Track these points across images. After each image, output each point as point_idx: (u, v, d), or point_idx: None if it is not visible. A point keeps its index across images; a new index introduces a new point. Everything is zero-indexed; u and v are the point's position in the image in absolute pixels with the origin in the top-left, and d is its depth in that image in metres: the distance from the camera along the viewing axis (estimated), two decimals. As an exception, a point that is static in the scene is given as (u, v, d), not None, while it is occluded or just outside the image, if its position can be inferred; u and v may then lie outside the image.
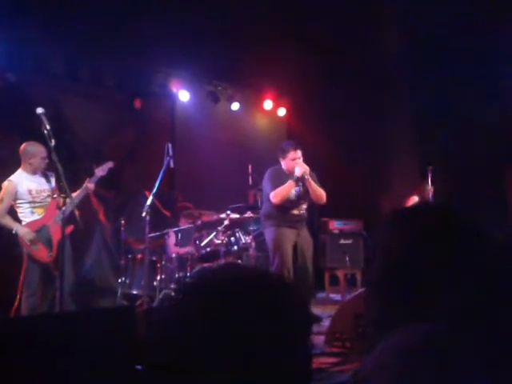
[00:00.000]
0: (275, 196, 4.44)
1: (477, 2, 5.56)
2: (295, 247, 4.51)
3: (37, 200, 4.06)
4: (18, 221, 4.06)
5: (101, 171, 4.27)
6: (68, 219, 3.78)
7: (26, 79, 5.29)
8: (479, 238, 0.94)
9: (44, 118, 3.29)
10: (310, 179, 4.47)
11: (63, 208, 3.61)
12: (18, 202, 4.04)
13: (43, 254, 3.98)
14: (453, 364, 0.80)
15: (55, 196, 4.02)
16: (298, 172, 4.43)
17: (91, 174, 4.24)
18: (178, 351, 0.68)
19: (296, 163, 4.49)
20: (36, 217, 4.06)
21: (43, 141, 3.64)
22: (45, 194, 4.11)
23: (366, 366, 0.87)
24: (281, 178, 4.52)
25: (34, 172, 4.10)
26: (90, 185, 4.16)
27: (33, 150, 4.06)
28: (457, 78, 5.72)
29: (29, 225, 4.01)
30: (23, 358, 2.02)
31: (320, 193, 4.55)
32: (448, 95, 5.85)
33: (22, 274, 4.01)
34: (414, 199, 5.40)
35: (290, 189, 4.44)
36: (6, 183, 4.01)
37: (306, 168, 4.44)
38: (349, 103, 6.73)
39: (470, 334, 0.84)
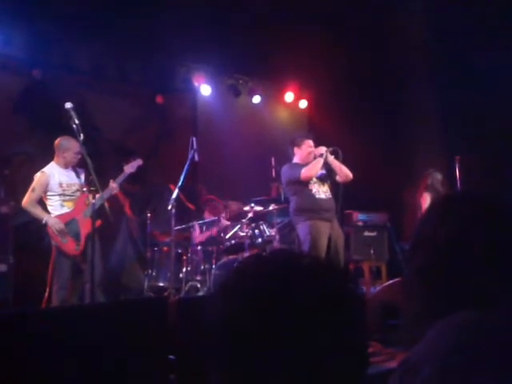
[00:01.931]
0: (305, 172, 4.44)
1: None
2: (329, 240, 4.49)
3: (67, 193, 4.13)
4: (48, 213, 4.13)
5: (130, 168, 4.32)
6: (97, 213, 3.86)
7: (51, 76, 5.39)
8: None
9: (73, 113, 3.34)
10: (332, 157, 4.49)
11: (93, 202, 3.67)
12: (49, 194, 4.11)
13: (71, 246, 4.05)
14: (502, 356, 0.79)
15: (84, 190, 4.10)
16: (321, 150, 4.46)
17: (120, 171, 4.29)
18: (235, 338, 0.68)
19: (313, 150, 4.53)
20: (65, 210, 4.13)
21: (71, 136, 3.71)
22: (74, 188, 4.18)
23: (416, 353, 0.86)
24: (298, 167, 4.53)
25: (66, 166, 4.18)
26: (114, 185, 4.21)
27: (67, 144, 4.13)
28: (482, 68, 5.60)
29: (58, 217, 4.08)
30: (54, 350, 2.05)
31: (346, 169, 4.57)
32: (474, 86, 5.73)
33: (50, 266, 4.10)
34: (427, 197, 5.32)
35: (318, 164, 4.45)
36: (38, 174, 4.08)
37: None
38: (371, 96, 6.65)
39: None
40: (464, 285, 0.91)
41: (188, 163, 4.48)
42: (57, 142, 4.21)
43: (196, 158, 4.50)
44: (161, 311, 2.29)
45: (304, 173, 4.44)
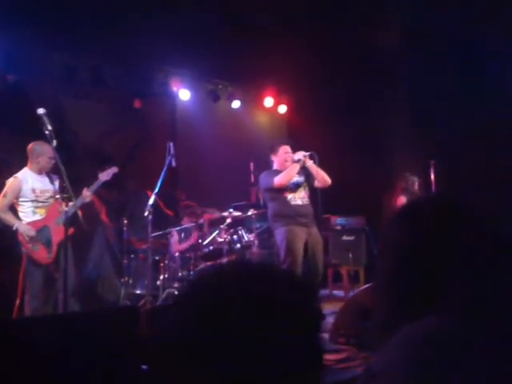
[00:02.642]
0: (278, 179, 4.45)
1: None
2: (306, 245, 4.50)
3: (40, 200, 4.06)
4: (19, 220, 4.04)
5: (105, 176, 4.26)
6: (70, 221, 3.80)
7: (26, 80, 5.29)
8: (491, 228, 0.94)
9: (46, 119, 3.28)
10: (311, 162, 4.50)
11: (65, 209, 3.61)
12: (21, 199, 4.03)
13: (42, 254, 3.97)
14: (466, 357, 0.80)
15: (58, 197, 4.02)
16: (298, 155, 4.47)
17: (95, 178, 4.23)
18: (179, 349, 0.67)
19: (289, 156, 4.54)
20: (37, 217, 4.05)
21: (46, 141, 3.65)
22: (48, 195, 4.11)
23: (378, 361, 0.86)
24: (275, 174, 4.54)
25: (39, 171, 4.11)
26: (87, 193, 4.15)
27: (40, 149, 4.06)
28: (457, 73, 5.71)
29: (30, 224, 4.01)
30: (26, 359, 2.02)
31: (324, 174, 4.58)
32: (449, 91, 5.83)
33: (21, 274, 4.01)
34: (402, 199, 5.41)
35: (294, 170, 4.46)
36: (11, 179, 4.01)
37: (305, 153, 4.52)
38: (349, 100, 6.72)
39: (482, 326, 0.83)
40: (427, 291, 0.91)
41: (165, 169, 4.45)
42: (30, 147, 4.13)
43: (173, 163, 4.47)
44: (132, 321, 2.26)
45: (277, 180, 4.46)
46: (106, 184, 4.62)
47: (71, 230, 3.96)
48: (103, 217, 5.34)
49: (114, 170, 4.31)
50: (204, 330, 0.66)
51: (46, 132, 3.28)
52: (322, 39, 6.45)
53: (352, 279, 5.92)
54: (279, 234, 4.48)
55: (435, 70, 5.88)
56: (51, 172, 4.14)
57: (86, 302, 4.62)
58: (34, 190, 4.05)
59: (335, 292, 6.24)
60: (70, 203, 3.82)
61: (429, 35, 5.89)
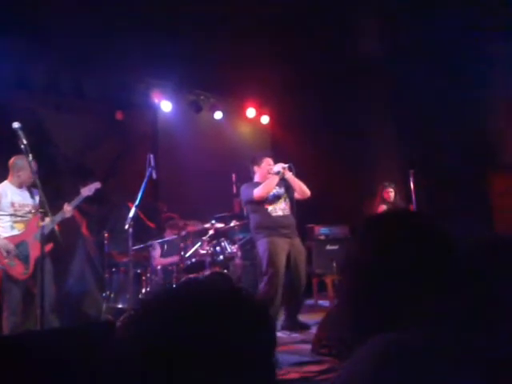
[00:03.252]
0: (257, 191, 4.46)
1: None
2: (288, 257, 4.49)
3: (18, 214, 3.99)
4: None
5: (87, 191, 4.20)
6: (48, 237, 3.73)
7: (5, 93, 5.23)
8: (448, 244, 0.94)
9: (21, 133, 3.23)
10: (290, 174, 4.51)
11: (42, 225, 3.55)
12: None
13: (19, 270, 3.89)
14: (426, 371, 0.80)
15: (37, 212, 3.95)
16: (277, 167, 4.47)
17: (76, 193, 4.17)
18: (132, 367, 0.67)
19: (271, 169, 4.55)
20: (16, 232, 3.99)
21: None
22: (27, 209, 4.05)
23: (341, 375, 0.86)
24: (255, 187, 4.55)
25: (20, 185, 4.05)
26: (68, 208, 4.09)
27: (21, 163, 4.00)
28: (440, 82, 5.80)
29: (7, 239, 3.94)
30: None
31: (302, 185, 4.60)
32: (430, 101, 5.92)
33: None
34: (383, 207, 5.49)
35: (273, 182, 4.46)
36: None
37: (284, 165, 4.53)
38: (331, 110, 6.77)
39: (442, 340, 0.83)
40: (386, 306, 0.91)
41: (145, 181, 4.41)
42: (11, 160, 4.08)
43: (154, 175, 4.43)
44: (108, 335, 2.21)
45: (256, 192, 4.46)
46: (86, 197, 4.57)
47: (49, 246, 3.91)
48: (84, 230, 5.27)
49: (96, 185, 4.25)
50: (155, 351, 0.66)
51: (22, 146, 3.24)
52: (304, 49, 6.51)
53: (337, 289, 5.91)
54: (261, 246, 4.48)
55: (418, 80, 5.97)
56: (32, 186, 4.09)
57: (67, 317, 4.54)
58: (12, 204, 3.99)
59: (320, 302, 6.23)
60: (47, 218, 3.77)
61: (413, 43, 5.98)
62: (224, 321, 0.69)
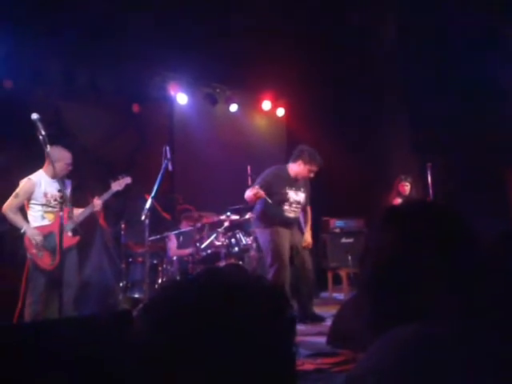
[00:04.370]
0: (246, 195, 4.42)
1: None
2: (291, 246, 4.50)
3: (50, 205, 4.01)
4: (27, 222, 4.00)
5: (117, 186, 4.22)
6: (76, 229, 3.79)
7: (23, 86, 5.31)
8: (471, 236, 0.93)
9: (39, 124, 3.27)
10: None
11: (72, 217, 3.61)
12: (32, 202, 3.99)
13: (46, 261, 3.93)
14: (444, 364, 0.79)
15: (68, 204, 4.01)
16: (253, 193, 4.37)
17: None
18: (149, 359, 0.66)
19: (309, 176, 4.54)
20: (46, 222, 4.01)
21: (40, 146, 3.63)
22: (59, 200, 4.08)
23: (360, 367, 0.85)
24: (280, 178, 4.50)
25: (54, 176, 4.05)
26: (98, 202, 4.13)
27: (59, 154, 4.04)
28: (457, 76, 5.69)
29: (38, 229, 3.96)
30: (14, 366, 2.01)
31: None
32: (448, 94, 5.82)
33: (23, 278, 3.99)
34: (398, 201, 5.43)
35: (250, 196, 4.39)
36: (25, 180, 3.95)
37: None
38: (348, 102, 6.71)
39: (461, 333, 0.82)
40: (404, 297, 0.91)
41: (162, 172, 4.44)
42: (49, 150, 4.11)
43: (170, 167, 4.46)
44: (126, 325, 2.24)
45: (248, 191, 4.43)
46: (103, 188, 4.62)
47: (76, 239, 3.97)
48: (101, 221, 5.33)
49: (126, 180, 4.27)
50: (170, 341, 0.66)
51: (40, 137, 3.28)
52: (321, 41, 6.46)
53: (352, 282, 5.90)
54: (263, 235, 4.49)
55: (436, 72, 5.87)
56: (67, 177, 4.14)
57: (86, 307, 4.61)
58: (45, 194, 4.01)
59: (335, 295, 6.22)
60: (77, 210, 3.82)
61: (429, 36, 5.88)
62: (246, 308, 0.68)
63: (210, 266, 0.87)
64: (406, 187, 5.68)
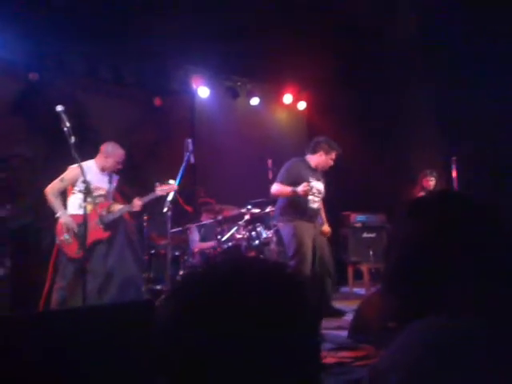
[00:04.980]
0: (275, 190, 4.42)
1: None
2: (313, 241, 4.48)
3: (91, 195, 4.05)
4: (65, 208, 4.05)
5: (161, 191, 4.17)
6: (110, 225, 3.87)
7: (47, 79, 5.39)
8: (498, 228, 0.90)
9: (64, 116, 3.32)
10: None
11: (103, 214, 3.63)
12: (75, 189, 4.03)
13: (73, 248, 3.96)
14: (468, 358, 0.77)
15: (109, 199, 4.06)
16: (302, 191, 4.28)
17: (151, 189, 4.23)
18: (173, 350, 0.66)
19: (330, 164, 4.53)
20: (82, 211, 4.08)
21: (64, 138, 3.69)
22: (102, 193, 4.13)
23: (383, 361, 0.84)
24: (301, 170, 4.48)
25: (102, 169, 4.14)
26: (138, 202, 4.14)
27: (112, 150, 4.12)
28: (479, 69, 5.56)
29: (73, 217, 4.01)
30: (32, 354, 2.03)
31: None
32: (470, 88, 5.69)
33: (51, 263, 4.03)
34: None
35: (286, 194, 4.39)
36: (74, 166, 3.90)
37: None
38: (370, 96, 6.63)
39: (484, 328, 0.80)
40: (428, 290, 0.89)
41: (184, 165, 4.46)
42: (104, 145, 4.18)
43: (192, 160, 4.48)
44: (148, 315, 2.26)
45: (273, 189, 4.43)
46: (127, 180, 4.67)
47: (108, 233, 4.02)
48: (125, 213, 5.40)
49: (172, 187, 4.20)
50: (196, 330, 0.66)
51: (65, 129, 3.33)
52: (344, 36, 6.38)
53: (373, 277, 5.85)
54: (286, 229, 4.45)
55: (459, 66, 5.74)
56: (114, 173, 4.21)
57: (108, 297, 4.68)
58: (90, 184, 4.07)
59: (355, 290, 6.18)
60: (116, 206, 3.85)
61: (451, 32, 5.75)
62: (268, 295, 0.68)
63: (232, 255, 0.87)
64: (431, 182, 5.58)
